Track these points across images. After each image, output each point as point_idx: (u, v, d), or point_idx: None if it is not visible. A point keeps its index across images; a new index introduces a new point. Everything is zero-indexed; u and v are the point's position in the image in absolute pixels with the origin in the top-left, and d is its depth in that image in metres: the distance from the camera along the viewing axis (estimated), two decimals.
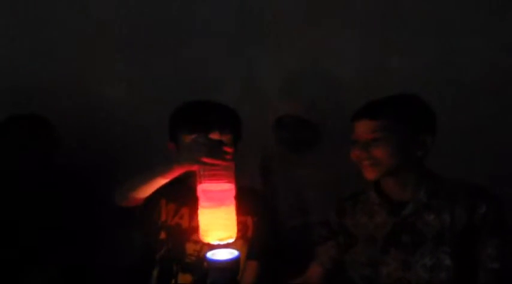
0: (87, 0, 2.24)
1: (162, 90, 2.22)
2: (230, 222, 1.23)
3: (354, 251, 1.46)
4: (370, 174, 1.39)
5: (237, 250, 1.23)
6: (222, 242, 1.23)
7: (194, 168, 1.26)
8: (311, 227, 1.93)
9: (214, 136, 1.40)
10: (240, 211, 1.41)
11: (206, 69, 2.22)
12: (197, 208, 1.28)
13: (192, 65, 2.24)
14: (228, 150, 1.25)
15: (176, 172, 1.32)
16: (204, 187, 1.23)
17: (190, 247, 1.50)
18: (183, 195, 1.48)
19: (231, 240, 1.25)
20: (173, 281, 1.50)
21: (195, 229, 1.37)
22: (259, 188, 2.07)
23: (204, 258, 1.25)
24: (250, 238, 1.54)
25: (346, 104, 2.06)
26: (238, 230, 1.44)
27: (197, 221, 1.29)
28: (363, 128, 1.38)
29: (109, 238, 1.93)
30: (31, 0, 2.24)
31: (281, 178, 2.17)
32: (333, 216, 1.53)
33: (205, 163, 1.23)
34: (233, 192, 1.26)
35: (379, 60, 2.21)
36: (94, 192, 1.92)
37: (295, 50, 2.25)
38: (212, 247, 1.25)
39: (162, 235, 1.53)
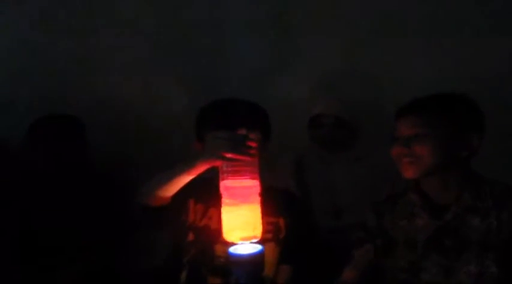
0: None
1: (182, 87, 2.23)
2: (254, 221, 1.17)
3: (392, 255, 1.39)
4: (409, 172, 1.33)
5: (262, 245, 1.18)
6: (245, 242, 1.16)
7: (217, 163, 1.21)
8: (346, 230, 1.91)
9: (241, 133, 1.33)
10: (272, 211, 1.40)
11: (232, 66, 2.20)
12: None
13: (214, 60, 2.24)
14: (252, 145, 1.18)
15: (200, 169, 1.27)
16: (226, 184, 1.18)
17: (219, 249, 1.44)
18: (212, 195, 1.41)
19: (255, 240, 1.17)
20: None
21: None
22: (293, 188, 2.02)
23: (228, 254, 1.18)
24: (282, 241, 1.48)
25: (382, 103, 2.24)
26: (270, 232, 1.44)
27: None
28: (406, 124, 1.33)
29: (134, 240, 1.89)
30: None
31: (315, 178, 2.12)
32: (371, 218, 1.47)
33: (227, 159, 1.18)
34: (257, 189, 1.19)
35: (415, 59, 2.23)
36: (118, 192, 1.89)
37: (331, 48, 2.26)
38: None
39: (190, 237, 1.48)
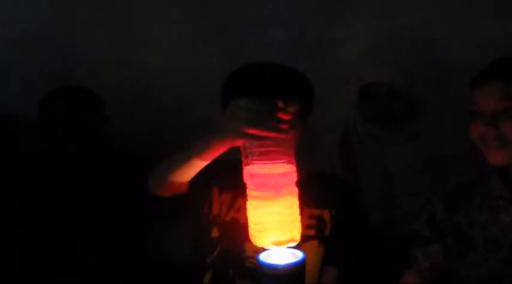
0: None
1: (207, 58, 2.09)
2: (291, 219, 0.89)
3: (468, 259, 1.19)
4: (497, 158, 1.11)
5: (302, 251, 0.93)
6: (280, 247, 0.89)
7: (238, 143, 0.92)
8: (402, 221, 1.76)
9: (280, 105, 1.06)
10: (315, 202, 1.22)
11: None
12: None
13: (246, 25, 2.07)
14: (285, 117, 0.89)
15: (216, 150, 0.99)
16: (251, 170, 0.89)
17: (250, 248, 1.21)
18: (241, 181, 1.16)
19: (293, 244, 0.90)
20: None
21: None
22: (339, 173, 1.85)
23: (257, 261, 0.93)
24: (328, 238, 1.28)
25: (445, 71, 2.03)
26: (312, 227, 1.25)
27: None
28: (491, 95, 1.09)
29: (148, 239, 1.67)
30: None
31: (366, 160, 1.88)
32: (441, 211, 1.26)
33: (252, 136, 0.89)
34: (294, 176, 0.91)
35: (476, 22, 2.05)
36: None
37: (384, 10, 2.07)
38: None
39: (215, 233, 1.27)
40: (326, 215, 1.28)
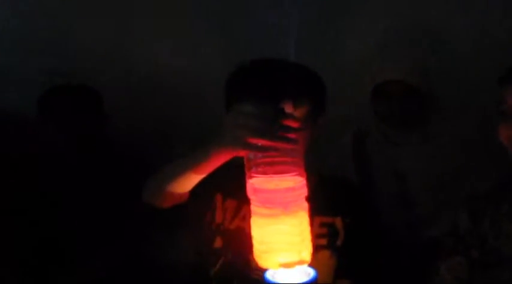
0: None
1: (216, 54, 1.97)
2: (301, 238, 0.79)
3: (494, 273, 1.10)
4: None
5: (314, 268, 0.83)
6: (288, 270, 0.79)
7: (241, 153, 0.82)
8: (418, 226, 1.67)
9: (288, 109, 0.95)
10: (326, 209, 1.13)
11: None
12: None
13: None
14: (294, 124, 0.79)
15: (216, 161, 0.90)
16: (256, 185, 0.79)
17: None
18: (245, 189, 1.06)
19: (303, 265, 0.80)
20: None
21: None
22: (352, 177, 1.71)
23: (263, 279, 0.84)
24: (341, 248, 1.17)
25: (463, 68, 1.89)
26: (324, 236, 1.15)
27: None
28: None
29: (149, 248, 1.57)
30: None
31: (380, 162, 1.76)
32: (464, 220, 1.17)
33: (255, 147, 0.79)
34: (304, 191, 0.81)
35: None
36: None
37: (396, 4, 1.94)
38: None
39: (218, 243, 1.18)
40: (338, 223, 1.18)
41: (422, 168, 1.70)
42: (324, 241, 1.14)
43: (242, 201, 1.14)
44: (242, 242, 1.11)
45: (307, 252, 0.81)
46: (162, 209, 1.06)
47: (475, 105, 1.77)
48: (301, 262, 0.80)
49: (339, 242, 1.17)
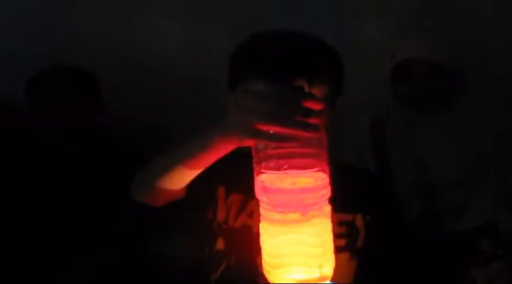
0: None
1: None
2: (321, 250, 0.64)
3: None
4: None
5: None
6: None
7: (248, 142, 0.66)
8: (445, 219, 1.53)
9: (307, 88, 0.83)
10: (345, 205, 0.98)
11: None
12: None
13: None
14: (317, 106, 0.62)
15: (214, 154, 0.74)
16: (266, 183, 0.63)
17: None
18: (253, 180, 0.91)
19: (326, 282, 0.64)
20: None
21: None
22: (370, 166, 1.58)
23: None
24: (361, 249, 1.06)
25: (493, 47, 1.78)
26: (342, 236, 1.03)
27: None
28: None
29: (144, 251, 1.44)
30: None
31: (401, 149, 1.61)
32: (505, 220, 1.10)
33: (267, 135, 0.62)
34: (327, 191, 0.65)
35: None
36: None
37: None
38: None
39: (220, 245, 1.04)
40: (359, 220, 1.06)
41: (447, 156, 1.57)
42: (343, 242, 1.02)
43: (249, 195, 0.99)
44: (248, 243, 0.99)
45: (329, 267, 0.65)
46: (154, 208, 0.91)
47: (508, 85, 1.63)
48: (321, 279, 0.65)
49: (359, 243, 1.05)
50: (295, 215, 0.62)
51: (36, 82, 1.55)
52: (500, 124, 1.56)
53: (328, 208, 0.65)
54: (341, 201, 0.92)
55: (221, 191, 1.05)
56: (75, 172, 1.53)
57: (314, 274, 0.63)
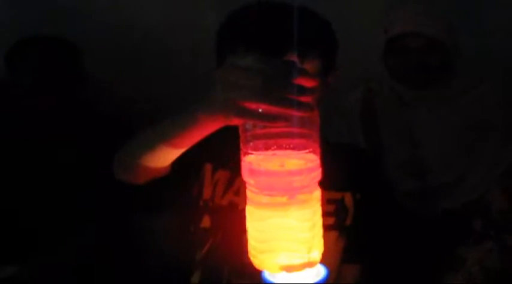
0: None
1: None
2: (310, 235, 0.61)
3: None
4: None
5: (324, 265, 0.67)
6: (291, 275, 0.61)
7: (235, 121, 0.62)
8: (432, 195, 1.52)
9: (300, 63, 0.78)
10: (334, 183, 0.96)
11: None
12: None
13: None
14: (310, 83, 0.59)
15: (198, 132, 0.70)
16: (254, 165, 0.60)
17: None
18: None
19: (312, 268, 0.62)
20: None
21: None
22: (360, 143, 1.57)
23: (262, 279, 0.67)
24: (349, 227, 1.04)
25: (492, 23, 1.73)
26: (331, 214, 1.01)
27: None
28: None
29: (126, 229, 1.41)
30: None
31: (392, 126, 1.59)
32: (498, 201, 1.09)
33: (255, 115, 0.59)
34: (318, 173, 0.62)
35: None
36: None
37: None
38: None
39: (206, 222, 1.02)
40: (348, 199, 1.04)
41: (438, 133, 1.55)
42: (331, 220, 1.01)
43: (236, 172, 0.93)
44: (235, 220, 0.94)
45: (317, 251, 0.63)
46: (137, 185, 0.87)
47: (505, 62, 1.60)
48: (309, 265, 0.62)
49: (348, 221, 1.04)
50: (283, 199, 0.58)
51: (15, 52, 1.51)
52: (491, 102, 1.54)
53: (318, 192, 0.62)
54: (330, 179, 0.89)
55: (208, 168, 1.02)
56: (57, 145, 1.49)
57: (302, 260, 0.61)
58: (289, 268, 0.61)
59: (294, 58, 0.78)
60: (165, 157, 0.78)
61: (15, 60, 1.51)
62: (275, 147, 0.58)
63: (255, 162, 0.59)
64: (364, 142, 1.56)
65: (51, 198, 1.43)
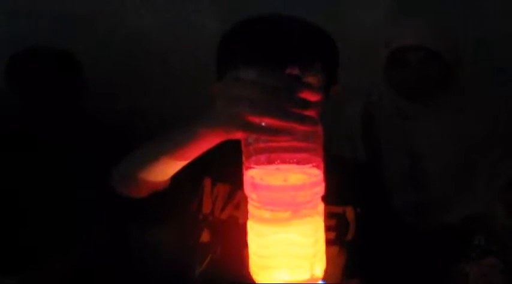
0: None
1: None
2: (313, 251, 0.60)
3: None
4: None
5: (325, 281, 0.65)
6: None
7: (238, 135, 0.61)
8: (432, 210, 1.53)
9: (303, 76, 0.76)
10: (336, 197, 0.91)
11: None
12: None
13: None
14: (314, 97, 0.58)
15: (201, 146, 0.69)
16: (256, 179, 0.59)
17: None
18: (240, 170, 0.87)
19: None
20: None
21: None
22: (361, 155, 1.58)
23: None
24: (351, 242, 1.03)
25: (492, 34, 1.75)
26: (332, 229, 1.01)
27: None
28: None
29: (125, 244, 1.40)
30: None
31: (391, 137, 1.60)
32: (502, 216, 1.08)
33: (258, 128, 0.58)
34: (321, 188, 0.61)
35: None
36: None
37: None
38: None
39: (205, 237, 1.01)
40: (349, 213, 1.03)
41: (438, 145, 1.55)
42: (332, 235, 1.00)
43: (236, 186, 0.98)
44: (234, 235, 0.94)
45: (320, 268, 0.61)
46: (136, 198, 0.86)
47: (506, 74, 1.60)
48: (312, 281, 0.61)
49: (349, 236, 1.03)
50: (286, 214, 0.57)
51: (16, 63, 1.52)
52: (492, 113, 1.54)
53: (321, 207, 0.61)
54: (331, 193, 0.89)
55: (207, 182, 1.01)
56: (57, 157, 1.48)
57: (304, 276, 0.59)
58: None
59: (296, 71, 0.78)
60: (165, 170, 0.77)
61: (15, 72, 1.52)
62: (278, 161, 0.57)
63: (258, 176, 0.58)
64: (364, 155, 1.56)
65: (51, 208, 1.42)
